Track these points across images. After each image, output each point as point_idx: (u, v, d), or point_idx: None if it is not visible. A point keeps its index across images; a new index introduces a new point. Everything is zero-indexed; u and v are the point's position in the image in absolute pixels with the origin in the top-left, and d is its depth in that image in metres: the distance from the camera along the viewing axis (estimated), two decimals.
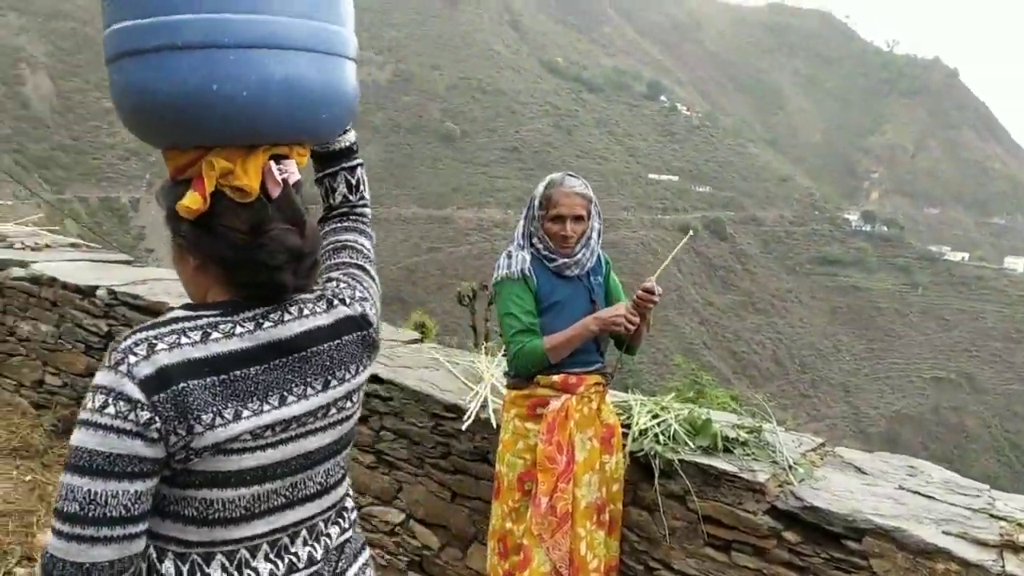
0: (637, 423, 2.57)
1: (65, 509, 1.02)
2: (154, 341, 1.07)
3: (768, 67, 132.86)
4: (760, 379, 63.48)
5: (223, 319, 1.13)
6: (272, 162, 1.14)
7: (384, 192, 75.78)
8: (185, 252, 1.18)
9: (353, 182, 1.42)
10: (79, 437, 1.04)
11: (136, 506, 1.04)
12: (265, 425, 1.12)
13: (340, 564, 1.27)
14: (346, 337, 1.23)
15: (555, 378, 2.36)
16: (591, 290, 2.44)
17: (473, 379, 3.04)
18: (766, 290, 78.06)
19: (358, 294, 1.28)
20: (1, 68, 62.11)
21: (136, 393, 1.03)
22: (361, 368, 1.26)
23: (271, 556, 1.18)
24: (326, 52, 1.16)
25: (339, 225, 1.41)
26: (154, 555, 1.13)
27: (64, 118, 61.59)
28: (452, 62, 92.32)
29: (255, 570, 1.16)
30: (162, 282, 4.12)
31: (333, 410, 1.21)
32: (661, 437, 2.51)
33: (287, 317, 1.17)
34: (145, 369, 1.04)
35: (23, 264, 4.31)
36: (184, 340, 1.08)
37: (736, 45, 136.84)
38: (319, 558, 1.23)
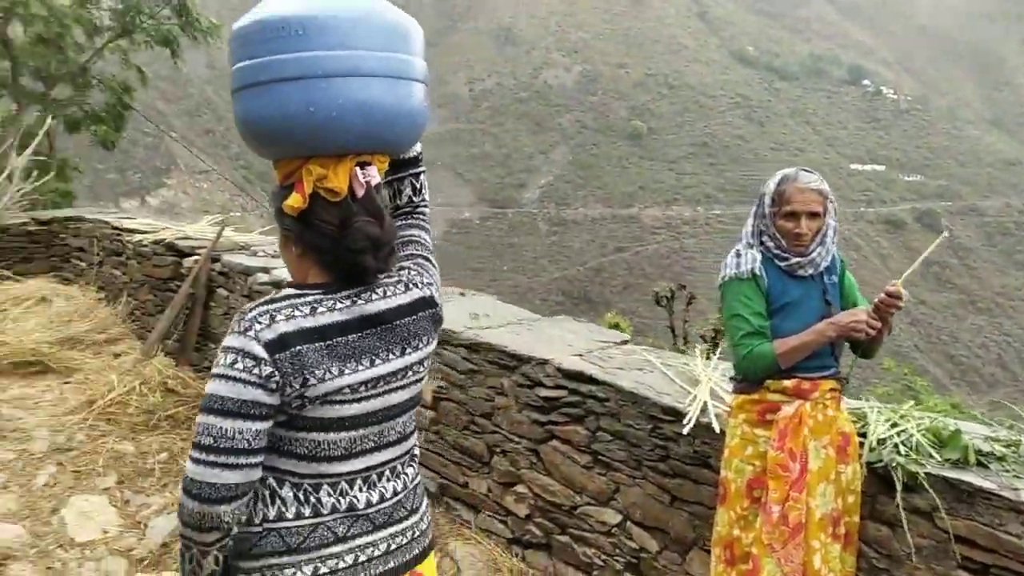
0: (874, 432, 2.40)
1: (202, 442, 1.32)
2: (274, 313, 1.35)
3: (991, 38, 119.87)
4: (983, 386, 57.47)
5: (325, 297, 1.40)
6: (358, 168, 1.41)
7: (570, 193, 76.52)
8: (290, 242, 1.46)
9: (417, 186, 1.69)
10: (214, 387, 1.33)
11: (256, 441, 1.34)
12: (360, 382, 1.40)
13: (415, 500, 1.56)
14: (420, 314, 1.51)
15: (787, 383, 2.27)
16: (825, 290, 2.32)
17: (689, 382, 2.99)
18: (990, 287, 70.53)
19: (426, 279, 1.55)
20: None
21: (261, 352, 1.31)
22: (430, 339, 1.54)
23: (364, 488, 1.46)
24: (398, 77, 1.40)
25: (404, 222, 1.66)
26: (275, 484, 1.41)
27: None
28: (639, 59, 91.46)
29: (355, 497, 1.45)
30: None
31: (409, 373, 1.49)
32: (902, 448, 2.34)
33: (375, 297, 1.44)
34: (268, 334, 1.33)
35: (266, 270, 4.78)
36: (297, 313, 1.36)
37: (952, 16, 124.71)
38: (400, 491, 1.52)
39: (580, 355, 3.25)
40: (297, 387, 1.33)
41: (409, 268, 1.55)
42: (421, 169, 1.70)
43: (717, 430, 2.59)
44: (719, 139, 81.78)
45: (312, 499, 1.41)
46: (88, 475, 3.74)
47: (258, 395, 1.31)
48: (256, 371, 1.31)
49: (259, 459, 1.36)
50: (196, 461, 1.32)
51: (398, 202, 1.68)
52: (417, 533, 1.54)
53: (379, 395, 1.43)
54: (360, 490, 1.46)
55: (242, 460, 1.32)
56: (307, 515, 1.41)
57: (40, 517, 3.29)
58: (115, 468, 3.83)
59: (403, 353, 1.47)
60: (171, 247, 5.69)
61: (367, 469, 1.46)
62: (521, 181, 78.13)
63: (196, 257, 5.35)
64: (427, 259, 1.61)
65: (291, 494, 1.41)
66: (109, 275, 6.58)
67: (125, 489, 3.65)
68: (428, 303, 1.53)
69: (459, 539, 3.38)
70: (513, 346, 3.34)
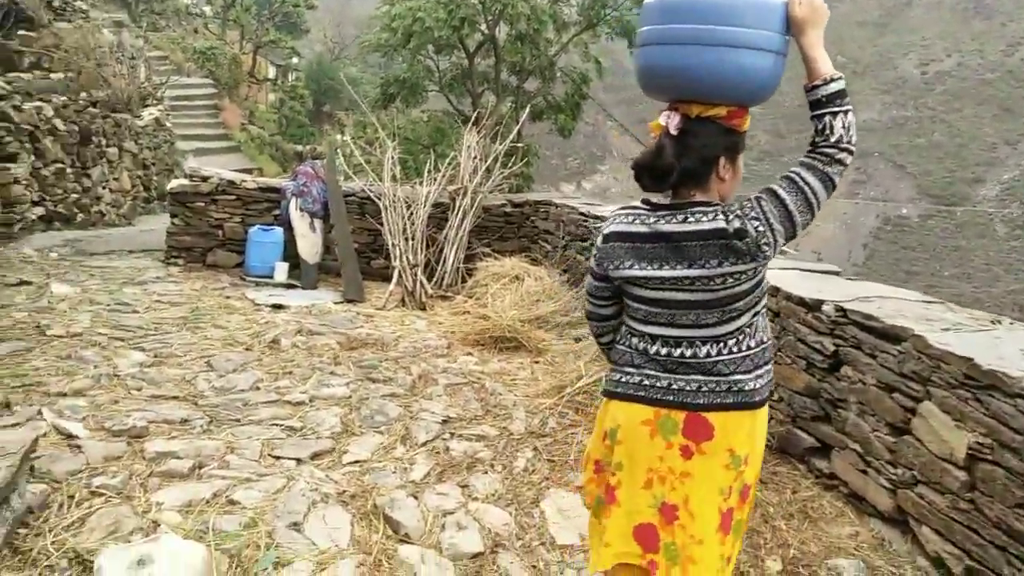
0: None
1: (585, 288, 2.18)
2: (614, 216, 2.03)
3: None
4: None
5: (644, 213, 1.95)
6: (667, 112, 1.90)
7: None
8: None
9: (820, 127, 1.84)
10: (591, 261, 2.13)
11: (596, 292, 2.11)
12: (647, 276, 1.92)
13: (707, 368, 1.93)
14: (710, 241, 1.83)
15: None
16: None
17: None
18: None
19: (749, 213, 1.83)
20: None
21: (599, 241, 2.06)
22: (723, 263, 1.83)
23: (657, 344, 1.98)
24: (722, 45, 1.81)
25: (800, 159, 1.88)
26: (624, 324, 2.10)
27: None
28: None
29: (649, 346, 1.99)
30: (891, 300, 3.70)
31: (698, 283, 1.87)
32: None
33: (674, 220, 1.88)
34: (605, 230, 2.04)
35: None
36: (624, 220, 1.99)
37: None
38: (688, 356, 1.94)
39: None
40: (607, 267, 2.00)
41: (743, 203, 1.86)
42: (824, 110, 1.84)
43: None
44: None
45: (629, 337, 2.05)
46: (561, 467, 3.72)
47: (592, 265, 2.08)
48: (595, 252, 2.06)
49: (600, 302, 2.11)
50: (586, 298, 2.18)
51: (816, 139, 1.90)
52: (706, 389, 1.92)
53: (666, 290, 1.90)
54: (654, 344, 1.98)
55: (589, 299, 2.14)
56: (623, 346, 2.06)
57: (523, 506, 3.31)
58: None
59: (690, 267, 1.86)
60: None
61: (663, 336, 1.96)
62: (977, 175, 67.29)
63: None
64: (774, 194, 1.85)
65: (624, 330, 2.08)
66: (573, 259, 6.82)
67: None
68: (724, 233, 1.81)
69: None
70: None
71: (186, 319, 5.63)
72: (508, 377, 4.94)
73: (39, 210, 8.64)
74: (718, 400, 1.92)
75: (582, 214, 6.78)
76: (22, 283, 6.22)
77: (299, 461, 3.50)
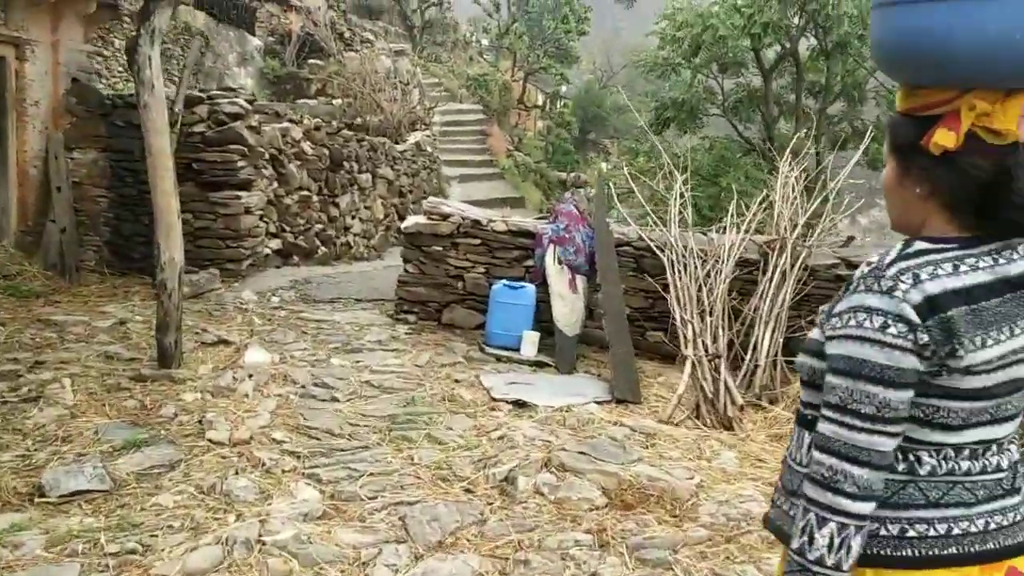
0: None
1: (863, 411, 1.16)
2: (916, 271, 1.17)
3: None
4: None
5: (966, 253, 1.20)
6: None
7: None
8: (911, 182, 1.24)
9: None
10: (864, 351, 1.15)
11: (903, 408, 1.16)
12: (998, 353, 1.19)
13: (1017, 479, 1.31)
14: None
15: None
16: None
17: None
18: None
19: None
20: None
21: (914, 317, 1.14)
22: None
23: (967, 459, 1.25)
24: None
25: None
26: None
27: None
28: None
29: (957, 464, 1.24)
30: None
31: None
32: None
33: (1015, 256, 1.23)
34: (915, 296, 1.15)
35: None
36: (940, 271, 1.17)
37: None
38: (1005, 467, 1.28)
39: None
40: (942, 356, 1.15)
41: None
42: None
43: None
44: None
45: (910, 457, 1.23)
46: None
47: (915, 363, 1.15)
48: (911, 337, 1.14)
49: (899, 428, 1.18)
50: (861, 430, 1.17)
51: None
52: (1019, 518, 1.27)
53: (1008, 367, 1.20)
54: (963, 459, 1.24)
55: (901, 428, 1.18)
56: (899, 470, 1.23)
57: None
58: None
59: None
60: None
61: (977, 442, 1.24)
62: None
63: None
64: None
65: (909, 459, 1.25)
66: None
67: None
68: None
69: None
70: None
71: (394, 421, 4.01)
72: None
73: (275, 243, 7.73)
74: None
75: None
76: (219, 343, 5.04)
77: None
